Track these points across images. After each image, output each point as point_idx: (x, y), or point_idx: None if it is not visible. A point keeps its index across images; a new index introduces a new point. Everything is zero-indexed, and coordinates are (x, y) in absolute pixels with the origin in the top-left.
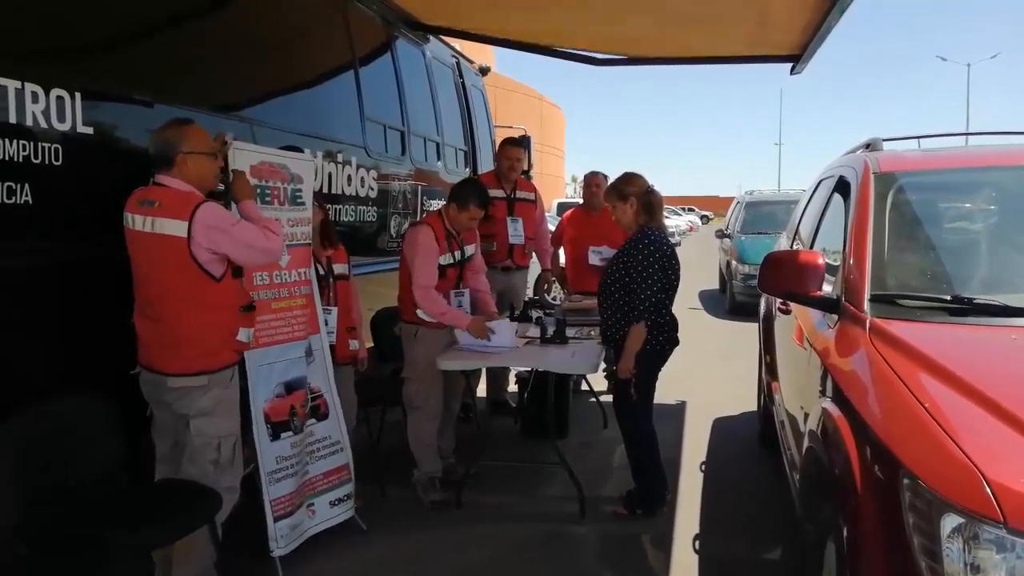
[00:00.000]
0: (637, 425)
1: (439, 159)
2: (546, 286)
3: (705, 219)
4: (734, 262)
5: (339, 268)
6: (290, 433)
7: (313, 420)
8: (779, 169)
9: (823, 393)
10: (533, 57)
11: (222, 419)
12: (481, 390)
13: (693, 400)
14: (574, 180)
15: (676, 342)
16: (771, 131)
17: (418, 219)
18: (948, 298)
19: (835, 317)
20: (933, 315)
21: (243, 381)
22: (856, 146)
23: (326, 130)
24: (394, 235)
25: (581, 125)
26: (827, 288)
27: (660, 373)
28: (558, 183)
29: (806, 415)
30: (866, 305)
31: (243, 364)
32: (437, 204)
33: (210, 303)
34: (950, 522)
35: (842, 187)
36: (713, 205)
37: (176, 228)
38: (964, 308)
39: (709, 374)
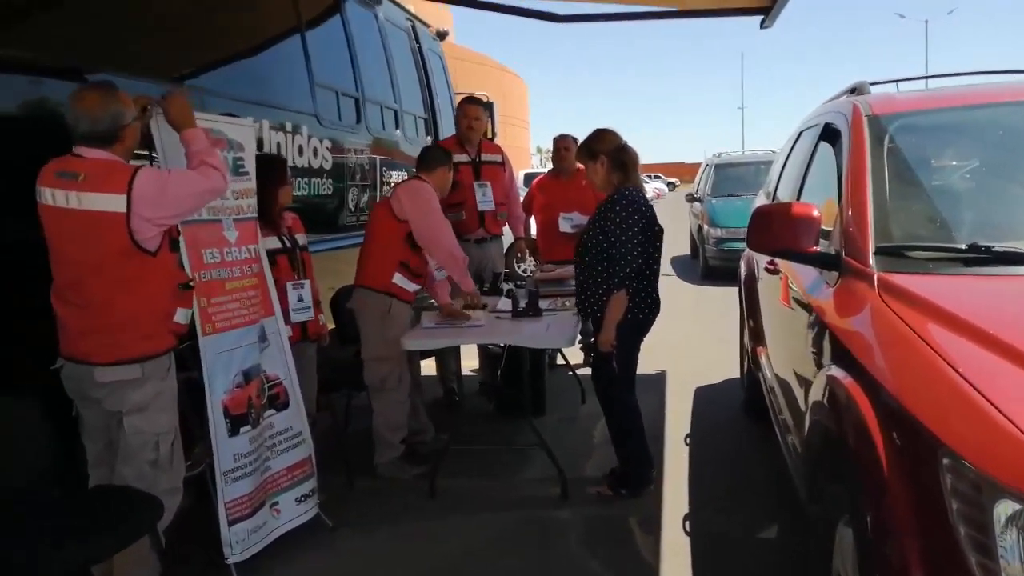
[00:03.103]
0: (619, 399)
1: (397, 127)
2: (519, 255)
3: (672, 186)
4: (705, 226)
5: (301, 239)
6: (248, 427)
7: (272, 410)
8: (743, 133)
9: (825, 359)
10: (492, 26)
11: (159, 414)
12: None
13: (673, 369)
14: (539, 151)
15: (658, 309)
16: (734, 96)
17: (380, 193)
18: (964, 247)
19: (835, 274)
20: (947, 267)
21: (183, 372)
22: (839, 92)
23: (273, 97)
24: (353, 209)
25: (543, 93)
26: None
27: None
28: (523, 154)
29: (807, 384)
30: (871, 259)
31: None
32: (397, 174)
33: (144, 281)
34: (1004, 509)
35: (829, 135)
36: (679, 172)
37: (110, 203)
38: (982, 257)
39: (687, 342)
